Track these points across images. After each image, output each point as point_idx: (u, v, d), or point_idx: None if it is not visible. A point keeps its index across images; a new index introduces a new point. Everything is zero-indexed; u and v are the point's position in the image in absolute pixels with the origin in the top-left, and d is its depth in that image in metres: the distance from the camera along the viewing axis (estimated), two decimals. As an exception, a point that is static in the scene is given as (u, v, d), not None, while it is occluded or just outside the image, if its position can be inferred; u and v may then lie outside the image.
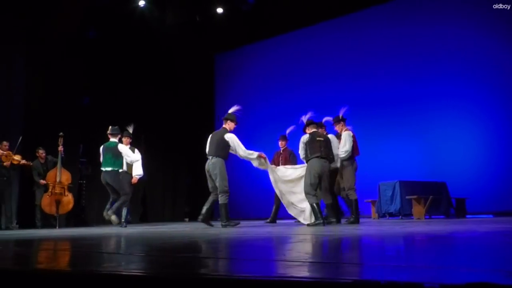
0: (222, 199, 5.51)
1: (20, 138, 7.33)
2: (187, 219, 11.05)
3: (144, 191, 10.75)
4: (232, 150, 5.71)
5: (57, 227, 7.36)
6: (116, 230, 5.87)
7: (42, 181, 7.55)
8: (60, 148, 7.54)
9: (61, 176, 7.61)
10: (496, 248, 2.16)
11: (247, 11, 10.84)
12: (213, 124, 12.56)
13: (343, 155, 5.75)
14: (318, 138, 5.59)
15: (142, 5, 10.25)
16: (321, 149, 5.48)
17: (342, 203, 6.48)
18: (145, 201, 10.76)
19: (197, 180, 6.37)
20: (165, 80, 11.20)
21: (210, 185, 5.73)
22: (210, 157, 5.64)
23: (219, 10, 10.93)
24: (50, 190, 7.51)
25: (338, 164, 5.83)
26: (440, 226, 4.37)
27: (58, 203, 7.52)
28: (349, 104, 10.13)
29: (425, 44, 9.33)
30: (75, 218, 8.74)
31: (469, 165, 8.49)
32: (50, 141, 7.90)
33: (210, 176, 5.64)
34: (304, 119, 6.06)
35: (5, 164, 7.06)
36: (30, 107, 8.34)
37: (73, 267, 1.80)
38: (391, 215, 7.72)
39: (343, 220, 6.14)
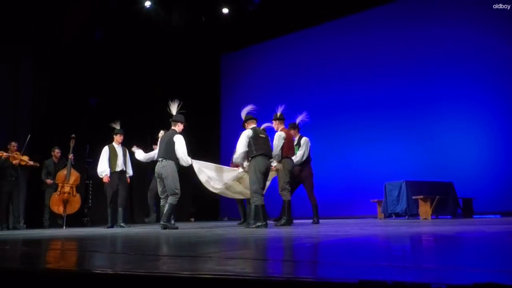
0: (172, 200, 5.39)
1: (29, 136, 7.39)
2: (192, 219, 11.08)
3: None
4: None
5: (64, 227, 7.41)
6: (124, 230, 5.90)
7: (49, 181, 7.61)
8: (71, 156, 7.63)
9: (70, 176, 7.69)
10: (503, 248, 2.14)
11: (253, 11, 10.84)
12: (219, 124, 12.59)
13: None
14: (260, 135, 5.42)
15: (148, 6, 10.29)
16: (264, 146, 5.35)
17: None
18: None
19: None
20: (171, 80, 11.23)
21: (159, 188, 5.60)
22: (161, 159, 5.51)
23: (225, 11, 10.94)
24: (59, 189, 7.59)
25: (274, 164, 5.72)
26: (447, 226, 4.35)
27: (66, 203, 7.60)
28: (356, 104, 10.21)
29: (431, 46, 9.30)
30: (81, 218, 8.80)
31: (476, 165, 8.44)
32: (57, 142, 7.96)
33: (161, 179, 5.50)
34: (299, 119, 6.05)
35: (14, 162, 7.14)
36: (38, 107, 8.41)
37: (81, 267, 1.82)
38: (397, 215, 7.69)
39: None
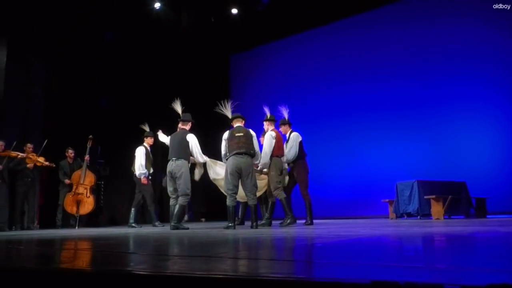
0: (182, 201, 5.41)
1: (46, 141, 7.53)
2: (203, 219, 11.12)
3: (161, 191, 10.85)
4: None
5: (76, 227, 7.49)
6: (135, 230, 5.94)
7: (68, 181, 7.74)
8: (87, 157, 7.73)
9: (86, 178, 7.79)
10: (518, 249, 2.11)
11: (262, 11, 10.84)
12: (228, 124, 12.61)
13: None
14: (237, 134, 5.36)
15: (157, 7, 10.36)
16: (239, 144, 5.26)
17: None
18: (162, 202, 10.86)
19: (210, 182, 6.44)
20: (180, 81, 11.28)
21: (171, 188, 5.58)
22: (174, 159, 5.52)
23: (234, 11, 10.96)
24: (73, 190, 7.69)
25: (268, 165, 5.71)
26: (460, 226, 4.30)
27: (79, 203, 7.69)
28: (367, 104, 10.16)
29: (444, 45, 9.23)
30: (93, 218, 8.88)
31: (489, 164, 8.34)
32: (69, 142, 8.05)
33: (173, 178, 5.51)
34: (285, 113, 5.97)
35: (28, 165, 7.24)
36: (50, 108, 8.53)
37: (95, 267, 1.84)
38: (409, 215, 7.63)
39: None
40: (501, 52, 8.50)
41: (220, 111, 5.83)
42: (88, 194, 7.82)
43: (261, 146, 5.89)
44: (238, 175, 5.24)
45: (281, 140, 5.79)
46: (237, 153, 5.22)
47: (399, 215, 7.79)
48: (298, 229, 4.62)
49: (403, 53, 9.83)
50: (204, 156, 5.73)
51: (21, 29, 8.09)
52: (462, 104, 8.87)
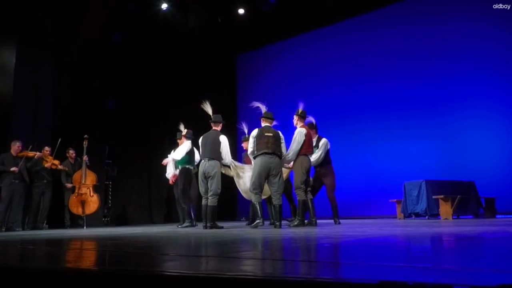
0: (213, 201, 5.50)
1: (59, 140, 7.59)
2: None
3: (168, 191, 10.90)
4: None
5: (84, 227, 7.54)
6: (141, 230, 5.97)
7: (69, 185, 7.78)
8: (85, 158, 7.77)
9: (86, 177, 7.82)
10: (528, 249, 2.09)
11: (268, 11, 10.84)
12: (235, 125, 12.62)
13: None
14: (266, 134, 5.37)
15: (164, 9, 10.40)
16: (268, 144, 5.28)
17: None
18: (169, 202, 10.91)
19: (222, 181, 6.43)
20: (188, 81, 11.33)
21: (203, 188, 5.63)
22: (207, 159, 5.58)
23: (241, 11, 10.97)
24: (76, 191, 7.74)
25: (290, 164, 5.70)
26: (469, 226, 4.27)
27: (83, 203, 7.73)
28: (374, 103, 10.12)
29: (451, 43, 9.17)
30: (101, 218, 8.94)
31: (498, 163, 8.26)
32: (78, 143, 8.11)
33: (206, 178, 5.57)
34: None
35: (46, 165, 7.35)
36: (58, 110, 8.60)
37: (101, 266, 1.85)
38: (417, 215, 7.58)
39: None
40: (509, 50, 8.42)
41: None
42: (92, 193, 7.85)
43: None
44: (266, 175, 5.30)
45: (311, 138, 5.75)
46: (265, 153, 5.26)
47: (407, 215, 7.74)
48: (306, 230, 4.62)
49: (409, 51, 9.77)
50: (231, 159, 5.86)
51: (30, 30, 8.16)
52: (471, 103, 8.79)
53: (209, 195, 5.53)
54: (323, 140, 6.06)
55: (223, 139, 5.71)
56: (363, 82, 10.40)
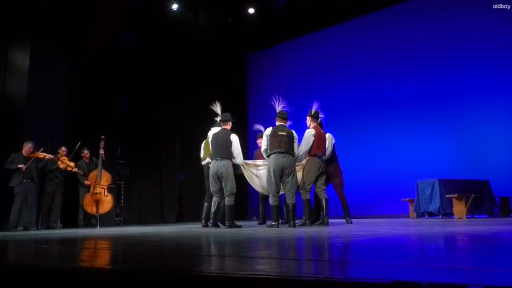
0: (230, 201, 5.55)
1: (79, 143, 7.71)
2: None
3: (180, 191, 10.96)
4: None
5: (97, 227, 7.63)
6: (153, 229, 6.01)
7: (87, 181, 7.88)
8: (101, 151, 7.89)
9: (102, 177, 7.92)
10: (545, 248, 2.05)
11: (278, 10, 10.83)
12: (246, 124, 12.64)
13: (301, 155, 5.64)
14: (280, 133, 5.37)
15: (175, 9, 10.45)
16: (281, 144, 5.29)
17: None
18: (181, 201, 10.97)
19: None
20: (198, 80, 11.37)
21: (215, 187, 5.64)
22: (219, 159, 5.58)
23: (251, 11, 10.97)
24: (91, 190, 7.84)
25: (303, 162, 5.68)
26: (483, 226, 4.21)
27: (98, 203, 7.84)
28: (385, 100, 10.03)
29: (463, 38, 9.03)
30: (114, 218, 9.03)
31: (513, 162, 8.13)
32: (91, 143, 8.20)
33: (218, 178, 5.59)
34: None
35: (61, 166, 7.46)
36: (71, 111, 8.70)
37: (114, 265, 1.86)
38: (430, 214, 7.51)
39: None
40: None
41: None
42: (106, 193, 7.96)
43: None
44: (280, 174, 5.32)
45: (321, 139, 5.69)
46: (279, 152, 5.28)
47: (420, 215, 7.67)
48: (318, 229, 4.60)
49: (420, 47, 9.65)
50: (242, 158, 5.86)
51: (44, 33, 8.26)
52: (486, 98, 8.63)
53: (225, 195, 5.58)
54: (327, 135, 6.00)
55: (234, 139, 5.71)
56: (374, 78, 10.31)
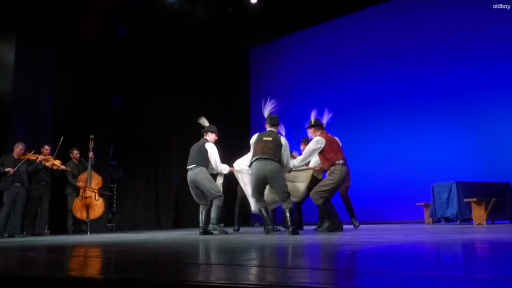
0: (217, 202, 5.80)
1: (62, 138, 7.69)
2: (222, 225, 11.16)
3: (177, 195, 10.98)
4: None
5: (88, 233, 7.64)
6: (147, 236, 6.02)
7: (80, 183, 7.87)
8: (91, 154, 7.88)
9: (91, 180, 7.91)
10: None
11: (282, 0, 10.83)
12: (249, 121, 12.64)
13: (296, 164, 5.58)
14: (265, 138, 5.25)
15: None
16: (264, 150, 5.12)
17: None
18: (178, 206, 10.98)
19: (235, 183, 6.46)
20: (197, 76, 11.39)
21: (194, 196, 5.94)
22: (192, 167, 5.84)
23: (253, 0, 10.97)
24: (81, 194, 7.83)
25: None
26: (505, 232, 4.20)
27: (88, 207, 7.82)
28: (398, 96, 10.01)
29: (483, 26, 8.95)
30: (106, 223, 9.04)
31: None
32: (80, 143, 8.21)
33: (195, 186, 5.83)
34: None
35: (47, 164, 7.44)
36: (60, 107, 8.71)
37: (106, 275, 1.87)
38: (447, 220, 7.50)
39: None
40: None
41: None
42: (97, 197, 7.94)
43: (300, 154, 5.98)
44: (263, 183, 5.20)
45: (334, 143, 5.58)
46: (260, 158, 5.10)
47: (436, 220, 7.66)
48: (326, 236, 4.60)
49: (434, 38, 9.57)
50: (224, 166, 6.06)
51: (30, 24, 8.28)
52: (507, 94, 8.56)
53: (210, 200, 5.85)
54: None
55: (209, 147, 5.95)
56: (384, 73, 10.27)
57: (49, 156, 7.56)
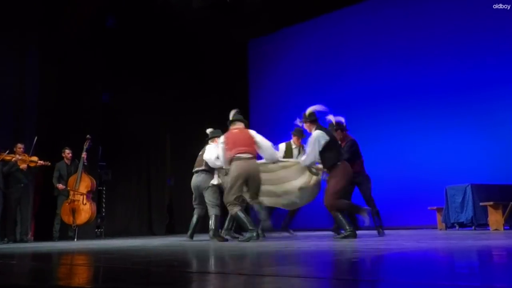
0: (214, 211, 5.96)
1: (36, 138, 7.60)
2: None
3: (171, 198, 10.98)
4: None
5: (75, 239, 7.62)
6: (139, 242, 6.02)
7: (61, 186, 7.80)
8: (84, 155, 7.84)
9: (80, 182, 7.85)
10: None
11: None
12: (248, 117, 12.63)
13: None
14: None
15: (165, -13, 10.44)
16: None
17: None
18: (172, 210, 10.98)
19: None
20: (193, 70, 11.37)
21: (195, 197, 6.13)
22: (198, 172, 6.08)
23: (252, -11, 10.94)
24: (70, 197, 7.79)
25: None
26: (523, 238, 4.20)
27: (74, 211, 7.75)
28: (406, 92, 9.98)
29: (501, 17, 8.94)
30: (94, 229, 9.02)
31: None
32: (66, 143, 8.17)
33: (198, 191, 6.06)
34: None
35: (22, 166, 7.35)
36: (45, 103, 8.69)
37: (94, 284, 1.86)
38: (462, 225, 7.50)
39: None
40: None
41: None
42: (84, 201, 7.87)
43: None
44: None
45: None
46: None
47: (450, 225, 7.67)
48: (330, 243, 4.60)
49: (450, 30, 9.48)
50: (217, 162, 6.08)
51: (12, 14, 8.26)
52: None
53: (209, 207, 6.02)
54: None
55: (209, 148, 6.10)
56: (392, 67, 10.20)
57: (24, 154, 7.45)
